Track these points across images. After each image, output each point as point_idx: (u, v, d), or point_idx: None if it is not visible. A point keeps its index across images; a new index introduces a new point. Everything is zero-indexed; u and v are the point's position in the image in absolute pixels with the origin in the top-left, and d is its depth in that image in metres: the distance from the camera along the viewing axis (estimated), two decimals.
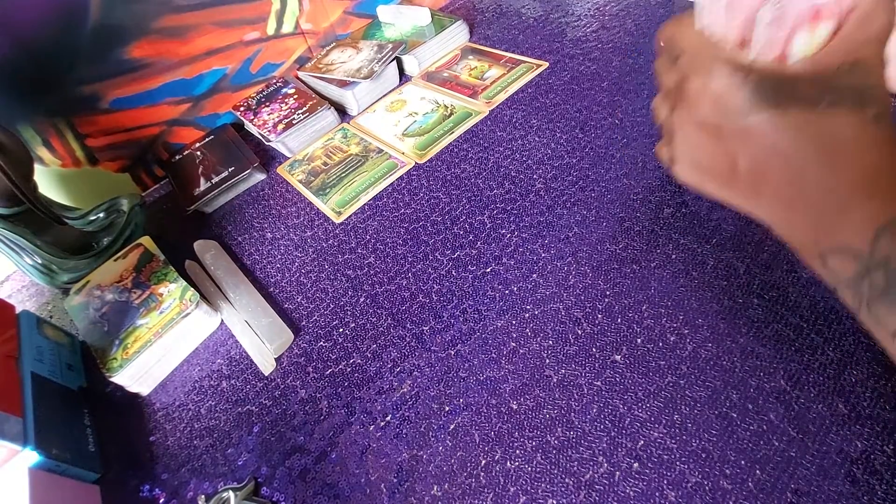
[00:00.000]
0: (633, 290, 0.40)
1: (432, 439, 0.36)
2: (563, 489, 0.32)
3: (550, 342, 0.39)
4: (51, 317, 0.56)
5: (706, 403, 0.33)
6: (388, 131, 0.63)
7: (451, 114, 0.62)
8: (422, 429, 0.37)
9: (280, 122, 0.66)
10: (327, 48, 0.77)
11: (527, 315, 0.41)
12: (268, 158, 0.67)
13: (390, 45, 0.70)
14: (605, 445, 0.33)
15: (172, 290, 0.49)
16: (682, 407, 0.33)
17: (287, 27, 0.74)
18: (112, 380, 0.44)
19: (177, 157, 0.69)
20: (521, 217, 0.48)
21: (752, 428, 0.31)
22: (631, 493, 0.31)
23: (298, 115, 0.66)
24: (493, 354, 0.39)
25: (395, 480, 0.35)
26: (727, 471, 0.30)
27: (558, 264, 0.43)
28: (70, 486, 0.38)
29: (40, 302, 0.59)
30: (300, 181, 0.61)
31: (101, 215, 0.58)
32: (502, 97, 0.62)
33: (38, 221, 0.52)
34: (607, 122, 0.54)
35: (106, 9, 0.59)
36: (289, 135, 0.64)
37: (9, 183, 0.47)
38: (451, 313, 0.43)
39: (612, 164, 0.50)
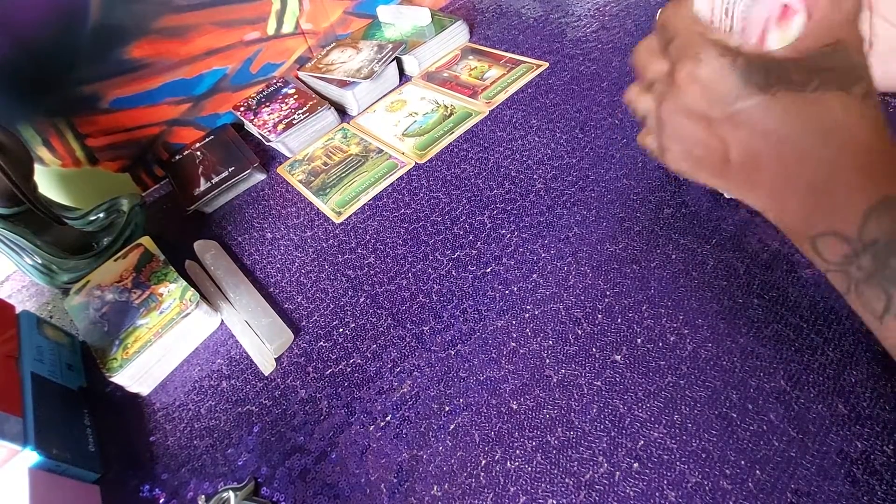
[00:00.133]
0: (633, 290, 0.40)
1: (432, 439, 0.36)
2: (563, 489, 0.32)
3: (550, 342, 0.39)
4: (51, 317, 0.56)
5: (706, 403, 0.33)
6: (388, 131, 0.63)
7: (451, 114, 0.62)
8: (422, 429, 0.37)
9: (280, 122, 0.66)
10: (327, 48, 0.77)
11: (527, 315, 0.41)
12: (268, 158, 0.67)
13: (390, 46, 0.70)
14: (605, 445, 0.33)
15: (172, 290, 0.49)
16: (682, 407, 0.33)
17: (287, 27, 0.74)
18: (112, 380, 0.44)
19: (177, 157, 0.69)
20: (521, 217, 0.48)
21: (752, 428, 0.31)
22: (631, 493, 0.31)
23: (298, 115, 0.66)
24: (493, 354, 0.39)
25: (395, 480, 0.35)
26: (727, 471, 0.30)
27: (558, 264, 0.43)
28: (70, 486, 0.38)
29: (40, 302, 0.59)
30: (300, 181, 0.61)
31: (101, 215, 0.58)
32: (502, 97, 0.62)
33: (38, 221, 0.52)
34: (607, 122, 0.54)
35: (106, 9, 0.59)
36: (289, 135, 0.65)
37: (9, 183, 0.47)
38: (451, 313, 0.43)
39: (612, 164, 0.50)
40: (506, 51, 0.70)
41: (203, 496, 0.37)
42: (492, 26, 0.76)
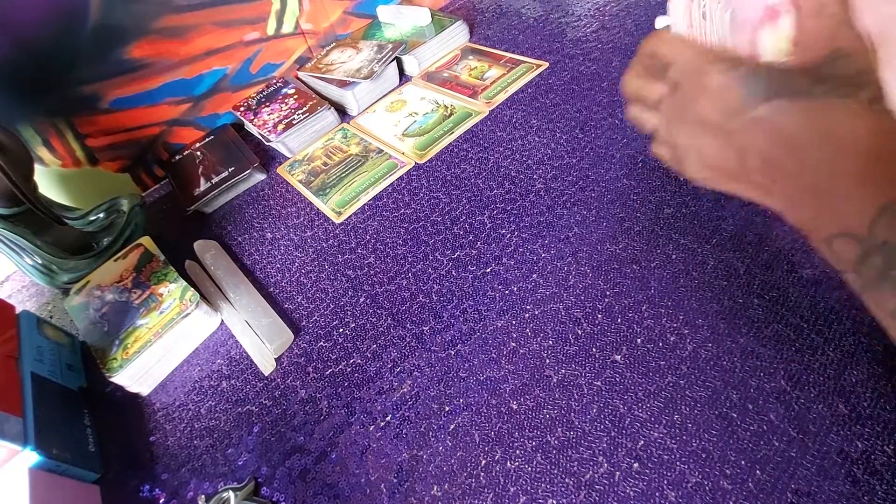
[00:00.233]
0: (633, 290, 0.40)
1: (432, 439, 0.36)
2: (563, 489, 0.32)
3: (550, 342, 0.38)
4: (51, 317, 0.56)
5: (706, 403, 0.33)
6: (388, 131, 0.63)
7: (451, 114, 0.62)
8: (422, 429, 0.37)
9: (280, 122, 0.66)
10: (327, 48, 0.77)
11: (527, 315, 0.41)
12: (268, 158, 0.67)
13: (390, 46, 0.70)
14: (605, 445, 0.33)
15: (172, 290, 0.49)
16: (683, 407, 0.33)
17: (287, 27, 0.74)
18: (112, 380, 0.44)
19: (177, 157, 0.69)
20: (521, 217, 0.48)
21: (752, 428, 0.31)
22: (631, 493, 0.31)
23: (298, 115, 0.66)
24: (493, 354, 0.39)
25: (395, 480, 0.35)
26: (727, 471, 0.30)
27: (558, 264, 0.43)
28: (70, 486, 0.38)
29: (40, 302, 0.59)
30: (300, 181, 0.61)
31: (101, 215, 0.58)
32: (502, 97, 0.62)
33: (38, 221, 0.52)
34: (607, 122, 0.54)
35: (106, 9, 0.59)
36: (289, 135, 0.64)
37: (9, 183, 0.47)
38: (451, 313, 0.43)
39: (612, 164, 0.50)
40: (506, 51, 0.70)
41: (203, 496, 0.37)
42: (492, 26, 0.76)
